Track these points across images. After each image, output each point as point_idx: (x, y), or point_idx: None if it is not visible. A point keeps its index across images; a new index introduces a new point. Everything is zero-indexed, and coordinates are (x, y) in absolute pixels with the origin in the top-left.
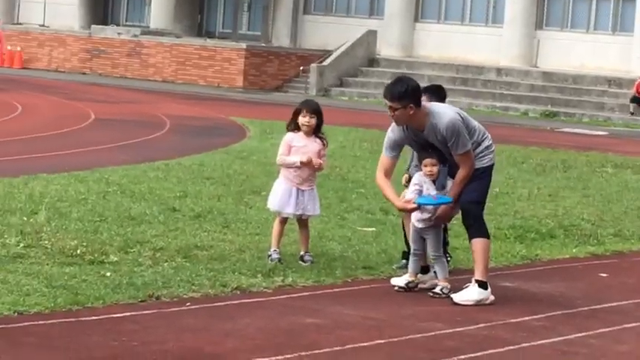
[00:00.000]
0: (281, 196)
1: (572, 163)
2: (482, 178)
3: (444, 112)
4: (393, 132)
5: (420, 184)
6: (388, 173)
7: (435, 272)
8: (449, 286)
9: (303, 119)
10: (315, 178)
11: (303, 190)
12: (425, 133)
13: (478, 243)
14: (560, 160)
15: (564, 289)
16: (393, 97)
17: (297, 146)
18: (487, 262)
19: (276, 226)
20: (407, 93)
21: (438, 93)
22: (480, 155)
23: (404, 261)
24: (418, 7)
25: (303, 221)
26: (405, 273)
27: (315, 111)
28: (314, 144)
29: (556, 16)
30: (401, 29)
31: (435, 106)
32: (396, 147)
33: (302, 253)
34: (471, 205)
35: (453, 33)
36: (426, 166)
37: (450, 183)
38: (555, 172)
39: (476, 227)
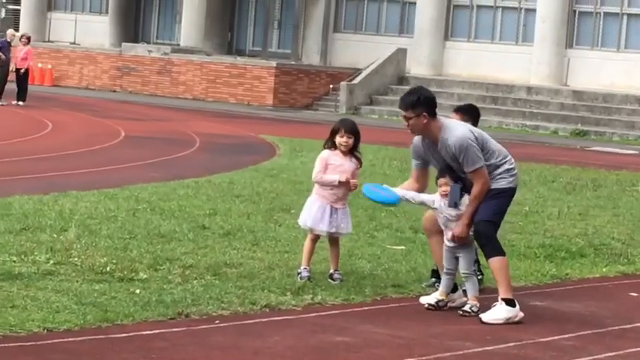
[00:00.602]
0: (315, 214)
1: (602, 182)
2: (497, 198)
3: (455, 128)
4: (415, 140)
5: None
6: (417, 180)
7: (464, 290)
8: (478, 305)
9: (341, 139)
10: (348, 196)
11: (336, 209)
12: (438, 148)
13: (495, 262)
14: (590, 178)
15: (594, 309)
16: (407, 105)
17: (334, 165)
18: (508, 279)
19: (307, 243)
20: (419, 101)
21: (472, 112)
22: (498, 177)
23: (433, 279)
24: (448, 25)
25: (334, 239)
26: (434, 291)
27: (353, 131)
28: (350, 163)
29: (586, 34)
30: (431, 47)
31: (448, 122)
32: (417, 156)
33: (332, 271)
34: (482, 224)
35: (483, 51)
36: (440, 186)
37: (466, 199)
38: (585, 190)
39: (490, 247)
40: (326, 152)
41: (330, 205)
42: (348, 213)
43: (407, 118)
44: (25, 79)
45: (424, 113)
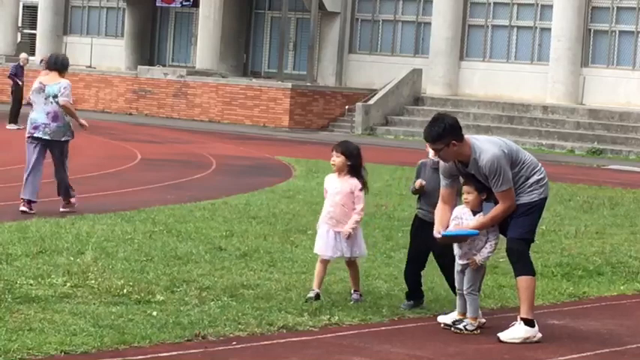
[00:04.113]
0: (319, 239)
1: (619, 201)
2: (530, 213)
3: (486, 149)
4: (442, 162)
5: (460, 217)
6: (446, 201)
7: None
8: (474, 324)
9: (331, 159)
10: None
11: (339, 233)
12: (469, 168)
13: (523, 281)
14: (607, 197)
15: (612, 327)
16: (433, 139)
17: (330, 189)
18: (533, 300)
19: (317, 266)
20: (445, 131)
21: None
22: (529, 190)
23: (412, 302)
24: (463, 45)
25: (350, 261)
26: (451, 311)
27: (344, 151)
28: (345, 184)
29: (602, 53)
30: (446, 67)
31: (479, 141)
32: (449, 175)
33: (352, 290)
34: (515, 241)
35: (498, 71)
36: (463, 192)
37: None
38: (602, 209)
39: (521, 264)
40: (326, 178)
41: (332, 229)
42: (356, 235)
43: (436, 150)
44: None
45: (453, 141)
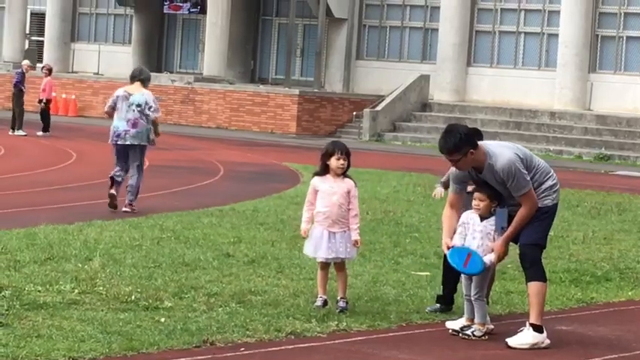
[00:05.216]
0: (313, 241)
1: (627, 206)
2: (542, 219)
3: (501, 153)
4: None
5: (467, 222)
6: (454, 207)
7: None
8: (482, 330)
9: (337, 162)
10: (348, 220)
11: (334, 233)
12: (483, 174)
13: (534, 286)
14: (614, 203)
15: (620, 333)
16: (450, 150)
17: (324, 189)
18: (542, 306)
19: (319, 272)
20: (462, 141)
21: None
22: (542, 196)
23: (438, 305)
24: (471, 51)
25: (338, 265)
26: (458, 318)
27: (348, 152)
28: (342, 184)
29: (609, 59)
30: (453, 74)
31: (493, 146)
32: (459, 182)
33: (338, 298)
34: (528, 247)
35: (506, 77)
36: (474, 199)
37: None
38: (610, 215)
39: (533, 270)
40: (315, 179)
41: (327, 230)
42: (348, 237)
43: (454, 161)
44: (45, 109)
45: (470, 150)
